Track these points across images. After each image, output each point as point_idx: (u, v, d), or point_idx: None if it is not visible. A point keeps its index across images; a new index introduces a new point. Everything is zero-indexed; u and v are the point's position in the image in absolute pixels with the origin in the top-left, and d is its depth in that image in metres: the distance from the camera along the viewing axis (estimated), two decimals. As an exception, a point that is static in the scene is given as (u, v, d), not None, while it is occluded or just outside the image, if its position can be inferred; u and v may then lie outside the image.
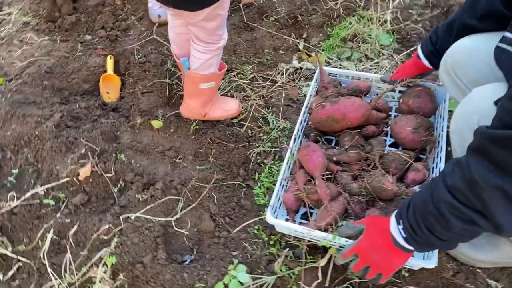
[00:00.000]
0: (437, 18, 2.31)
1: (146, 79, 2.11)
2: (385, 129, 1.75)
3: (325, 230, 1.40)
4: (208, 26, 1.59)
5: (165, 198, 1.60)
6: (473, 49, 1.35)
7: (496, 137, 0.88)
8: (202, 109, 1.88)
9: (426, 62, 1.60)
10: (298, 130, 1.67)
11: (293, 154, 1.61)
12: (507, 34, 1.18)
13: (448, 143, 1.58)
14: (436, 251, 1.29)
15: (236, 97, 2.06)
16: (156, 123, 1.89)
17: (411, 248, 1.16)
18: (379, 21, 2.33)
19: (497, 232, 0.96)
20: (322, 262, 1.41)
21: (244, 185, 1.69)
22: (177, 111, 1.93)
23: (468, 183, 0.94)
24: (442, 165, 1.50)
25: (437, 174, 1.51)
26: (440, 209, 1.00)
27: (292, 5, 2.54)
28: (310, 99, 1.77)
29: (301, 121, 1.70)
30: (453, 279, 1.42)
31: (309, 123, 1.73)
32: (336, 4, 2.45)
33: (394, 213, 1.20)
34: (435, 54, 1.56)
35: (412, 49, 2.19)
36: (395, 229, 1.17)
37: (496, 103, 1.10)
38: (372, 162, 1.54)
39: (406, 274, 1.43)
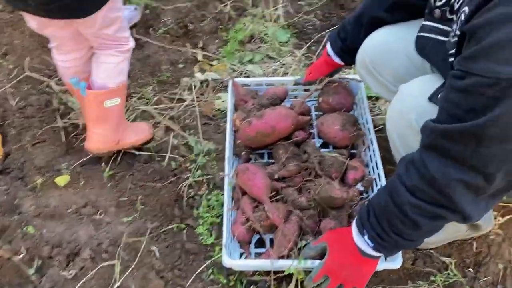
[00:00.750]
0: (327, 6, 2.33)
1: (33, 127, 1.79)
2: (311, 131, 1.71)
3: (288, 256, 1.32)
4: (109, 31, 1.45)
5: (97, 267, 1.37)
6: (390, 43, 1.35)
7: (448, 131, 0.86)
8: (114, 135, 1.64)
9: (337, 60, 1.58)
10: (229, 153, 1.54)
11: (231, 181, 1.48)
12: (426, 23, 1.19)
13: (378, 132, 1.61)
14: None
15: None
16: (61, 179, 1.61)
17: (380, 254, 1.13)
18: (273, 18, 2.28)
19: (465, 221, 0.97)
20: (291, 288, 1.33)
21: (184, 226, 1.51)
22: (83, 159, 1.67)
23: (428, 181, 0.92)
24: (377, 158, 1.51)
25: (375, 168, 1.51)
26: (405, 211, 0.98)
27: (178, 13, 2.36)
28: (231, 116, 1.65)
29: (229, 142, 1.57)
30: (413, 267, 1.45)
31: (237, 141, 1.61)
32: (225, 6, 2.34)
33: (354, 224, 1.16)
34: (345, 51, 1.53)
35: (311, 41, 2.18)
36: (361, 241, 1.13)
37: (430, 98, 1.10)
38: (313, 170, 1.48)
39: (370, 275, 1.41)
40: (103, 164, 1.68)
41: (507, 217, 1.53)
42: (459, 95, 0.85)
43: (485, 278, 1.43)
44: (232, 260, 1.27)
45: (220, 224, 1.48)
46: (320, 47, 2.15)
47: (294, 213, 1.39)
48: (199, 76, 2.10)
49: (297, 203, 1.41)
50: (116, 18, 1.45)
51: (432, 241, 1.46)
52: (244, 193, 1.45)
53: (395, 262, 1.26)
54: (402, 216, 0.99)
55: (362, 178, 1.53)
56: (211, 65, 2.15)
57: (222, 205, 1.53)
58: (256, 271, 1.38)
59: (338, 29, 1.54)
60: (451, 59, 0.96)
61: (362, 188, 1.52)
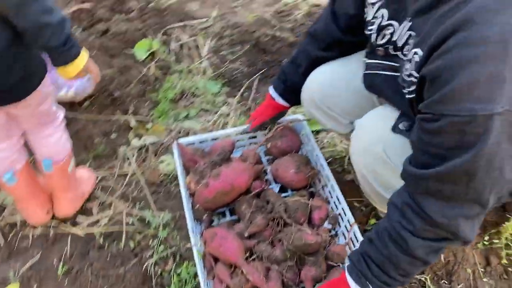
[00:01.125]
0: (250, 53, 2.38)
1: (-38, 236, 1.59)
2: (266, 177, 1.71)
3: (277, 316, 1.27)
4: (45, 107, 1.41)
5: None
6: (335, 80, 1.39)
7: (439, 175, 0.88)
8: (79, 192, 1.71)
9: (282, 102, 1.60)
10: (190, 221, 1.47)
11: (199, 250, 1.41)
12: (371, 61, 1.24)
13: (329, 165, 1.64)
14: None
15: (91, 207, 1.73)
16: (10, 289, 1.43)
17: None
18: (200, 71, 2.28)
19: (465, 244, 1.01)
20: None
21: (159, 309, 1.41)
22: (31, 261, 1.49)
23: (432, 224, 0.95)
24: (337, 193, 1.53)
25: (337, 203, 1.53)
26: (416, 254, 0.99)
27: (100, 81, 2.19)
28: (183, 180, 1.59)
29: (188, 209, 1.51)
30: (394, 290, 1.46)
31: (196, 206, 1.55)
32: (149, 68, 2.30)
33: (350, 278, 1.11)
34: (288, 92, 1.57)
35: (243, 88, 2.20)
36: None
37: (394, 129, 1.15)
38: (280, 219, 1.46)
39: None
40: (54, 260, 1.52)
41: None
42: (435, 136, 0.87)
43: (459, 286, 1.49)
44: (222, 336, 1.20)
45: (198, 298, 1.41)
46: (253, 92, 2.18)
47: (273, 269, 1.36)
48: (135, 142, 2.02)
49: (273, 258, 1.38)
50: (50, 92, 1.42)
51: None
52: (216, 259, 1.39)
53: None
54: (413, 259, 1.01)
55: (327, 216, 1.54)
56: (147, 129, 2.08)
57: (194, 277, 1.46)
58: None
59: (278, 74, 1.57)
60: (409, 96, 1.00)
61: (329, 226, 1.53)
